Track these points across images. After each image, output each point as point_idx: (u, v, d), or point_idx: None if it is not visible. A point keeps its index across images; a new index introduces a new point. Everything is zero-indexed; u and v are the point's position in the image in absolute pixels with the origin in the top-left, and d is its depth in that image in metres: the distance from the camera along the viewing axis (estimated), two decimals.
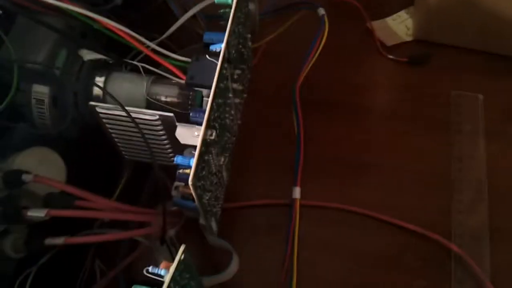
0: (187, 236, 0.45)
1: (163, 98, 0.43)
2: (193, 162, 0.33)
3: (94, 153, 0.48)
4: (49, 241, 0.36)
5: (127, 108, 0.38)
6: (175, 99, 0.43)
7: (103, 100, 0.42)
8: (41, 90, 0.40)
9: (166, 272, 0.30)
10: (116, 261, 0.48)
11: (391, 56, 0.61)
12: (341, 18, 0.58)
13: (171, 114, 0.38)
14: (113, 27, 0.40)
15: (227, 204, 0.47)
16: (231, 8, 0.40)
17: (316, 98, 0.57)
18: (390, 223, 0.50)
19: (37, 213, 0.35)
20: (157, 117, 0.38)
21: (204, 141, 0.34)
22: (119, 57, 0.43)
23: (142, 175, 0.53)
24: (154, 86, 0.43)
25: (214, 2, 0.43)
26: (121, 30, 0.40)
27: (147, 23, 0.46)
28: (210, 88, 0.37)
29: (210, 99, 0.35)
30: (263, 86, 0.57)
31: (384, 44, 0.62)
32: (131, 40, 0.40)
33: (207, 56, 0.39)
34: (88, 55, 0.42)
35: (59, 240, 0.36)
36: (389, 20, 0.64)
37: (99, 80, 0.42)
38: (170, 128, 0.39)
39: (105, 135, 0.44)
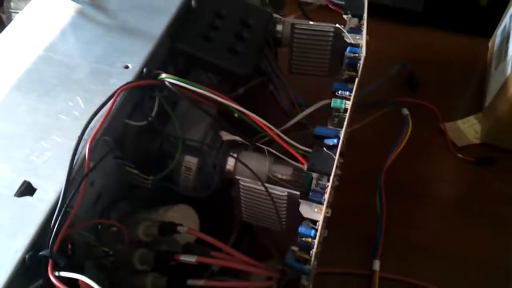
0: None
1: (279, 176, 0.53)
2: (317, 234, 0.42)
3: (211, 211, 0.58)
4: (191, 282, 0.45)
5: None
6: (289, 178, 0.53)
7: (234, 173, 0.52)
8: (191, 161, 0.50)
9: None
10: None
11: (460, 155, 0.70)
12: (418, 117, 0.68)
13: (298, 192, 0.47)
14: (252, 116, 0.50)
15: None
16: (345, 112, 0.51)
17: (395, 185, 0.66)
18: None
19: (189, 259, 0.44)
20: (286, 193, 0.48)
21: (325, 217, 0.44)
22: (250, 139, 0.53)
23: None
24: (274, 165, 0.53)
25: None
26: (257, 119, 0.50)
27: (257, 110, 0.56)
28: (326, 174, 0.47)
29: (330, 184, 0.45)
30: (349, 170, 0.67)
31: (454, 144, 0.71)
32: (263, 127, 0.50)
33: (324, 149, 0.49)
34: (226, 136, 0.53)
35: (200, 282, 0.44)
36: (460, 123, 0.74)
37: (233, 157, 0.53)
38: (291, 202, 0.49)
39: (228, 198, 0.53)
